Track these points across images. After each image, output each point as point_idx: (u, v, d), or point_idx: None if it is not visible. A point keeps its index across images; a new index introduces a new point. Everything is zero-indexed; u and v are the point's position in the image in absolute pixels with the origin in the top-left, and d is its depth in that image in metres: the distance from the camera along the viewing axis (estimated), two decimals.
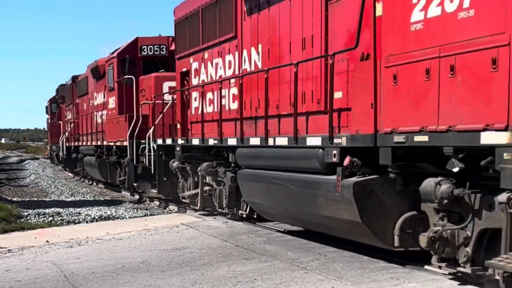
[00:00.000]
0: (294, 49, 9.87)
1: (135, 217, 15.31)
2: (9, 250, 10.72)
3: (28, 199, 21.18)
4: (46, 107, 42.62)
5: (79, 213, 15.79)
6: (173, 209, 16.29)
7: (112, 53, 20.83)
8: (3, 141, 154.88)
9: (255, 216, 12.59)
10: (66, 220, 14.79)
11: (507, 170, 5.96)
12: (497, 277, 6.29)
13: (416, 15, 7.13)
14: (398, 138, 7.37)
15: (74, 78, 28.78)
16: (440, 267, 7.46)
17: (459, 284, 7.32)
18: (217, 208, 13.50)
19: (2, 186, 27.18)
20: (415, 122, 7.09)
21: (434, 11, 6.88)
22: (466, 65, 6.48)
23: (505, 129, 5.97)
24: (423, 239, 7.22)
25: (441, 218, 7.23)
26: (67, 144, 31.31)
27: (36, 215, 15.34)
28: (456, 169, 6.75)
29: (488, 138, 6.15)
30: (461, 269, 7.05)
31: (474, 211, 6.78)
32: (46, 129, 52.19)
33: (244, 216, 12.75)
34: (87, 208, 16.68)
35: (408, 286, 7.37)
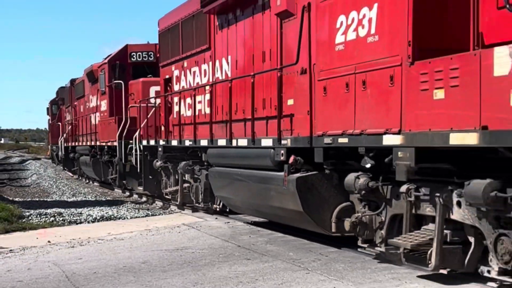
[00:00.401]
0: (256, 61, 11.24)
1: (136, 217, 15.33)
2: (11, 250, 10.73)
3: (29, 199, 21.20)
4: (47, 108, 43.79)
5: (80, 213, 15.80)
6: (175, 209, 16.32)
7: (105, 59, 22.01)
8: (2, 141, 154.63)
9: (227, 210, 13.97)
10: (68, 220, 14.81)
11: (400, 166, 7.46)
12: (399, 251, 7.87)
13: (339, 38, 8.62)
14: (327, 140, 8.91)
15: (72, 81, 30.16)
16: (364, 248, 8.84)
17: (461, 284, 7.34)
18: (194, 203, 14.88)
19: (4, 187, 27.22)
20: (339, 127, 8.62)
21: (351, 35, 8.38)
22: (373, 80, 7.98)
23: (398, 132, 7.47)
24: (347, 224, 8.87)
25: (363, 206, 8.71)
26: (65, 145, 32.79)
27: (38, 215, 15.36)
28: (368, 165, 8.26)
29: (387, 140, 7.69)
30: (378, 248, 8.44)
31: (386, 200, 8.24)
32: (47, 129, 53.79)
33: (218, 209, 14.13)
34: (89, 208, 16.69)
35: (409, 286, 7.37)
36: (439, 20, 7.38)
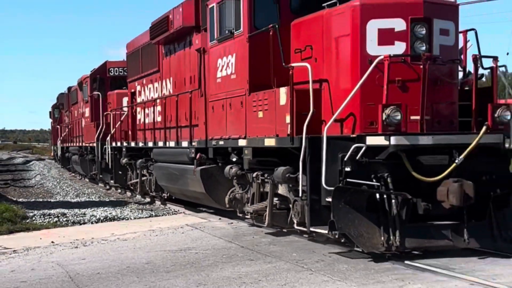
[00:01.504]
0: (187, 83, 14.69)
1: (140, 218, 15.31)
2: (15, 250, 10.75)
3: (33, 199, 21.21)
4: (50, 112, 46.43)
5: (84, 213, 15.80)
6: (178, 210, 16.33)
7: (91, 72, 26.18)
8: None
9: (173, 198, 17.45)
10: (71, 220, 14.80)
11: (245, 159, 11.37)
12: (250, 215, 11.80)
13: (218, 74, 12.53)
14: (214, 142, 12.84)
15: (69, 88, 33.90)
16: (239, 216, 12.73)
17: (470, 285, 7.34)
18: (149, 192, 18.58)
19: (8, 187, 27.25)
20: (219, 134, 12.55)
21: (224, 72, 12.29)
22: (234, 104, 11.86)
23: (244, 137, 11.41)
24: (227, 200, 12.51)
25: (238, 187, 12.29)
26: (62, 145, 36.88)
27: (41, 216, 15.36)
28: (234, 159, 12.13)
29: (241, 142, 11.56)
30: (248, 219, 12.40)
31: (250, 183, 11.87)
32: (50, 131, 56.40)
33: (166, 197, 17.78)
34: (92, 209, 16.69)
35: (413, 287, 7.37)
36: (262, 67, 10.82)
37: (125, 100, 21.13)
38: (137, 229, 12.73)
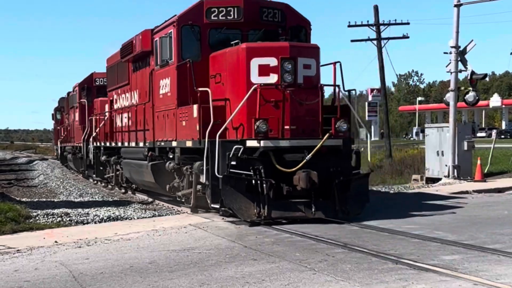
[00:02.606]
0: (144, 96, 17.99)
1: (143, 217, 15.32)
2: (18, 250, 10.75)
3: (36, 199, 21.24)
4: (52, 114, 48.96)
5: (87, 213, 15.81)
6: (181, 210, 16.34)
7: (80, 82, 30.20)
8: None
9: (140, 189, 20.96)
10: (75, 220, 14.81)
11: (176, 156, 15.24)
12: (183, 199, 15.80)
13: (161, 91, 16.27)
14: (158, 143, 16.60)
15: (68, 93, 36.59)
16: (177, 201, 16.44)
17: (474, 285, 7.33)
18: (121, 184, 22.35)
19: (11, 187, 27.31)
20: (162, 137, 16.36)
21: (163, 91, 16.04)
22: (169, 114, 15.65)
23: (176, 140, 15.12)
24: (167, 188, 16.33)
25: (178, 178, 15.88)
26: (60, 145, 40.54)
27: (45, 216, 15.37)
28: (171, 156, 15.80)
29: (173, 144, 15.31)
30: (183, 206, 15.96)
31: (183, 174, 15.38)
32: (53, 132, 58.07)
33: (134, 188, 21.60)
34: (96, 209, 16.70)
35: (416, 287, 7.36)
36: (186, 89, 14.42)
37: (107, 107, 23.63)
38: (140, 229, 12.73)
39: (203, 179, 13.74)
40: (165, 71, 15.68)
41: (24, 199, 20.95)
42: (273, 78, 13.14)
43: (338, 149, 13.51)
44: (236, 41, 14.07)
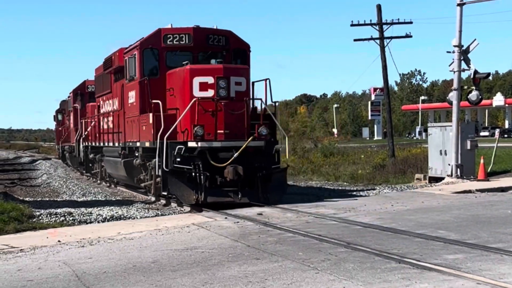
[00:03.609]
0: (119, 104, 21.24)
1: (146, 217, 15.35)
2: (21, 249, 10.76)
3: (40, 199, 21.29)
4: (54, 116, 50.24)
5: (90, 213, 15.84)
6: (185, 209, 16.34)
7: (74, 88, 34.54)
8: None
9: (121, 183, 24.04)
10: (78, 220, 14.84)
11: (139, 154, 19.25)
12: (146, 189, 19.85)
13: (129, 101, 19.75)
14: (128, 144, 20.07)
15: (68, 96, 39.12)
16: (146, 193, 20.00)
17: (477, 284, 7.32)
18: (105, 179, 26.09)
19: (14, 186, 27.34)
20: (130, 139, 19.99)
21: (131, 101, 19.60)
22: (134, 120, 19.31)
23: (138, 141, 18.93)
24: (135, 180, 19.94)
25: (144, 172, 19.10)
26: (61, 145, 44.29)
27: (48, 215, 15.40)
28: (137, 154, 19.31)
29: (137, 144, 19.20)
30: (151, 197, 19.38)
31: (150, 169, 18.30)
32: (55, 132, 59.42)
33: (116, 182, 24.64)
34: (99, 208, 16.73)
35: (419, 286, 7.35)
36: (148, 98, 17.62)
37: (96, 111, 26.56)
38: (143, 228, 12.74)
39: (157, 172, 17.17)
40: (132, 85, 19.20)
41: (27, 199, 21.00)
42: (210, 93, 16.58)
43: (261, 149, 16.84)
44: (186, 61, 17.30)
